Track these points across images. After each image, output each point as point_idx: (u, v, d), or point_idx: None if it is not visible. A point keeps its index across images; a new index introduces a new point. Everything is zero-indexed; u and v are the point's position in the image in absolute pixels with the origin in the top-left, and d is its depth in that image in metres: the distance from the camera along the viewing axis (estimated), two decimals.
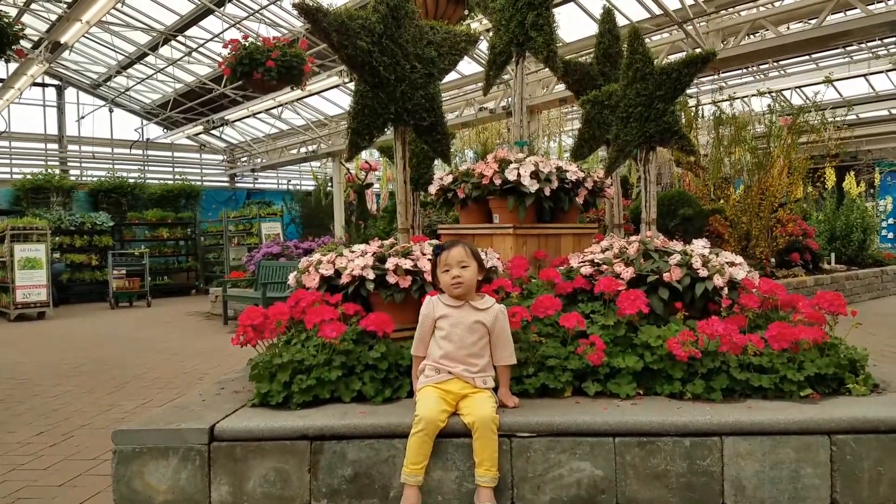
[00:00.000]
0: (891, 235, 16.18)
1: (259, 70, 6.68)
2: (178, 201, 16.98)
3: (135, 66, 15.10)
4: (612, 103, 3.27)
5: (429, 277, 2.69)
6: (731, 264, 2.77)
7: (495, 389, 2.29)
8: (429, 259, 2.78)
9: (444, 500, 2.14)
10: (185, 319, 10.77)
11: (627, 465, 2.11)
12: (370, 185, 13.29)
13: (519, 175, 3.31)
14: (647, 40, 3.07)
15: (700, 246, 2.84)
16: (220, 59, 7.27)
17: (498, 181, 3.38)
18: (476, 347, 2.25)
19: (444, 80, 3.36)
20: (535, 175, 3.34)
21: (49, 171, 15.81)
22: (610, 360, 2.40)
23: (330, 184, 16.09)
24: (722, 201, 9.03)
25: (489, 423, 2.09)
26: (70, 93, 16.88)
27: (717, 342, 2.33)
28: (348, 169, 13.94)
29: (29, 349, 7.89)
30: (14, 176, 15.76)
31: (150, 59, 14.45)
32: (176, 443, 2.20)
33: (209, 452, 2.20)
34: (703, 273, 2.63)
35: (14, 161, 16.19)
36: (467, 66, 11.83)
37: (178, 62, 14.21)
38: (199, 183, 18.82)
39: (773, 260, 8.96)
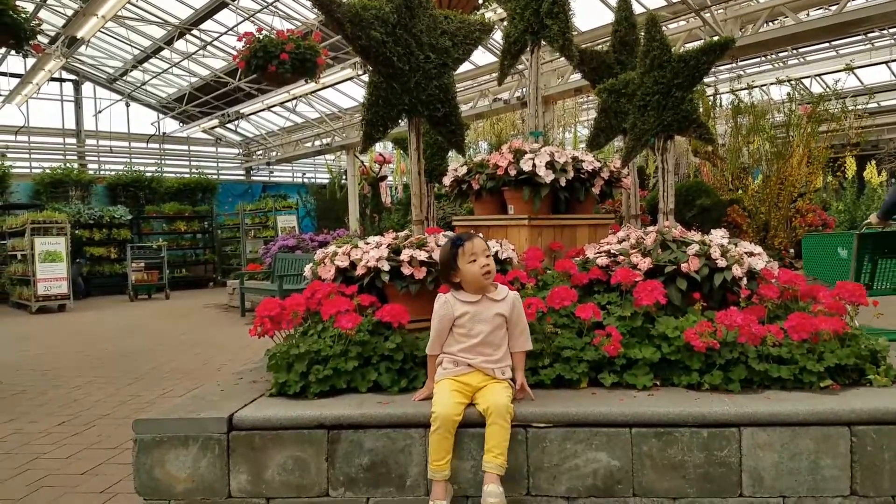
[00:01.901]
0: None
1: (273, 63, 6.70)
2: (194, 195, 17.14)
3: (150, 60, 15.22)
4: (629, 92, 3.24)
5: None
6: (750, 254, 2.73)
7: (513, 380, 2.29)
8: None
9: (461, 489, 2.14)
10: (203, 311, 10.88)
11: (644, 456, 2.10)
12: (384, 177, 13.30)
13: (534, 165, 3.30)
14: (663, 28, 3.01)
15: (719, 236, 2.81)
16: (234, 53, 7.30)
17: (513, 172, 3.36)
18: (496, 338, 2.25)
19: (458, 71, 3.34)
20: (550, 165, 3.32)
21: (67, 165, 16.03)
22: (626, 351, 2.39)
23: (344, 177, 16.14)
24: (740, 191, 8.92)
25: (503, 411, 2.09)
26: (87, 87, 17.07)
27: (736, 333, 2.31)
28: (362, 161, 13.96)
29: (50, 341, 8.02)
30: (33, 170, 15.99)
31: (166, 53, 14.56)
32: (195, 432, 2.23)
33: (228, 441, 2.22)
34: (722, 263, 2.60)
35: (33, 155, 16.42)
36: (481, 57, 11.78)
37: (193, 56, 14.29)
38: (215, 176, 18.98)
39: (791, 250, 8.84)
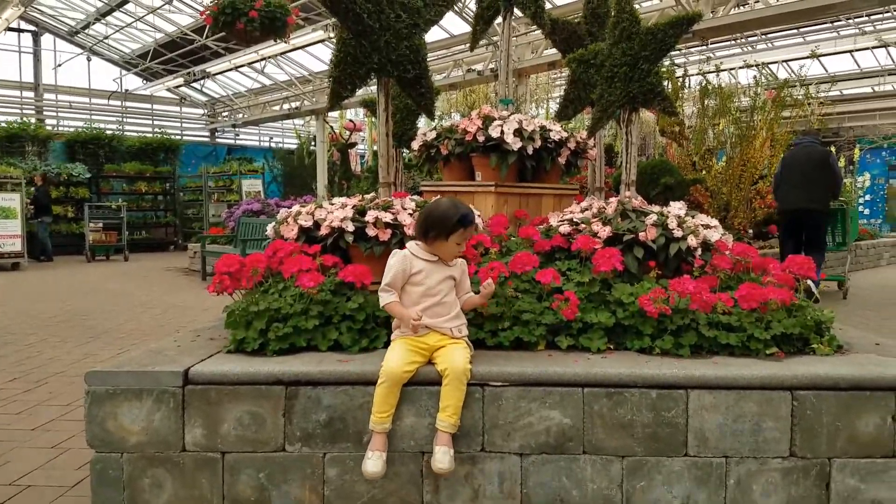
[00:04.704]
0: (867, 212, 16.45)
1: (242, 20, 6.51)
2: (156, 155, 16.70)
3: (114, 13, 14.64)
4: (598, 62, 3.25)
5: (409, 231, 2.69)
6: (706, 226, 2.80)
7: (473, 340, 2.33)
8: (409, 213, 2.77)
9: (418, 446, 2.18)
10: (162, 274, 10.70)
11: (595, 415, 2.16)
12: (354, 144, 13.13)
13: (502, 132, 3.30)
14: (636, 6, 3.04)
15: (676, 208, 2.87)
16: (202, 8, 7.08)
17: (481, 138, 3.36)
18: (449, 298, 2.30)
19: (432, 40, 3.30)
20: (518, 133, 3.33)
21: (24, 119, 15.42)
22: (583, 316, 2.44)
23: (313, 143, 15.89)
24: (704, 172, 9.08)
25: (461, 374, 2.12)
26: (47, 39, 16.36)
27: (688, 300, 2.37)
28: (332, 128, 13.74)
29: (2, 299, 7.80)
30: None
31: (130, 6, 14.02)
32: (150, 385, 2.21)
33: (183, 395, 2.21)
34: (678, 234, 2.66)
35: None
36: (455, 26, 11.64)
37: (159, 10, 13.79)
38: (178, 137, 18.50)
39: (751, 231, 9.07)
